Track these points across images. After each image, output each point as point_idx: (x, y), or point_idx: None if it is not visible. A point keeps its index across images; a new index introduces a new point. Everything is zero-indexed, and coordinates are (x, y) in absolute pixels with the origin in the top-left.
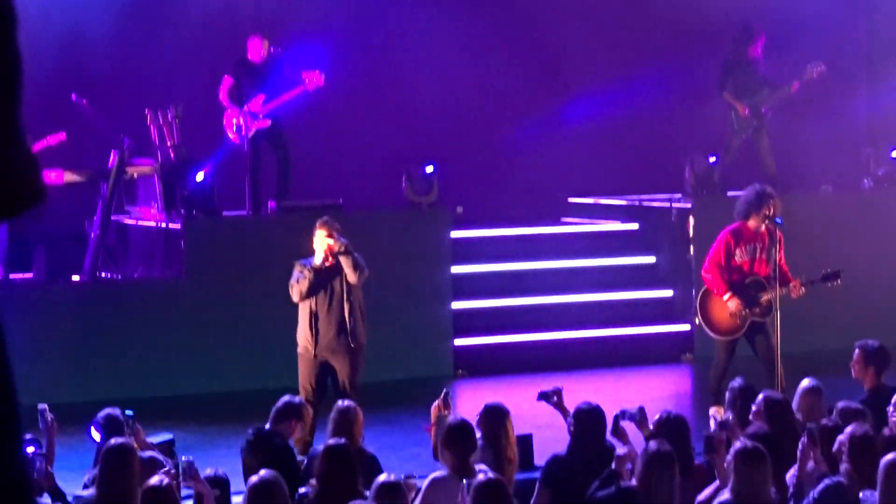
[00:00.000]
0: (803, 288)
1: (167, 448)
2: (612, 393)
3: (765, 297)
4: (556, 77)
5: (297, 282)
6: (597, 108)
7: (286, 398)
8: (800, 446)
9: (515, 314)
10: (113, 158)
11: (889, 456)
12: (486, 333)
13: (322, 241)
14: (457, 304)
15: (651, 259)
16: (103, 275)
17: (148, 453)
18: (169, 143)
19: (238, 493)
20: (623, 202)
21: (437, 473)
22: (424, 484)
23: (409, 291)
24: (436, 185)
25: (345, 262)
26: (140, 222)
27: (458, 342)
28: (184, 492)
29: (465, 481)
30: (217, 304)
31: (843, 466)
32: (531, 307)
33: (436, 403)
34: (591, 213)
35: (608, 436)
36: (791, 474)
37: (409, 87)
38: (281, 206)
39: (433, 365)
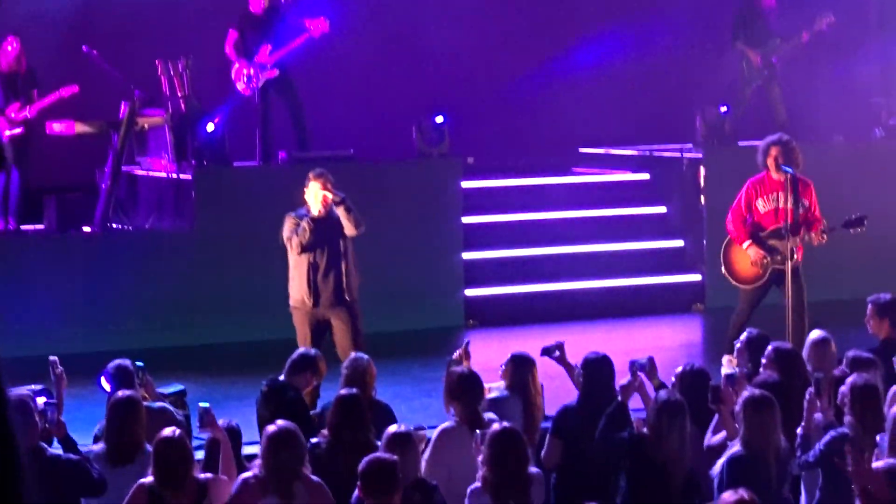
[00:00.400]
0: (824, 235)
1: (178, 399)
2: (623, 343)
3: (781, 245)
4: (567, 27)
5: (297, 234)
6: (608, 58)
7: (301, 350)
8: (806, 396)
9: (526, 264)
10: (123, 109)
11: None
12: (497, 284)
13: (318, 193)
14: (467, 255)
15: (662, 209)
16: (114, 226)
17: (158, 403)
18: (180, 94)
19: (250, 443)
20: (634, 152)
21: (446, 424)
22: (434, 435)
23: (420, 242)
24: (446, 135)
25: (343, 215)
26: (150, 173)
27: (469, 292)
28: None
29: (478, 431)
30: (227, 255)
31: (847, 419)
32: (542, 257)
33: (457, 353)
34: (602, 163)
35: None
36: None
37: (418, 38)
38: (291, 157)
39: (444, 315)
